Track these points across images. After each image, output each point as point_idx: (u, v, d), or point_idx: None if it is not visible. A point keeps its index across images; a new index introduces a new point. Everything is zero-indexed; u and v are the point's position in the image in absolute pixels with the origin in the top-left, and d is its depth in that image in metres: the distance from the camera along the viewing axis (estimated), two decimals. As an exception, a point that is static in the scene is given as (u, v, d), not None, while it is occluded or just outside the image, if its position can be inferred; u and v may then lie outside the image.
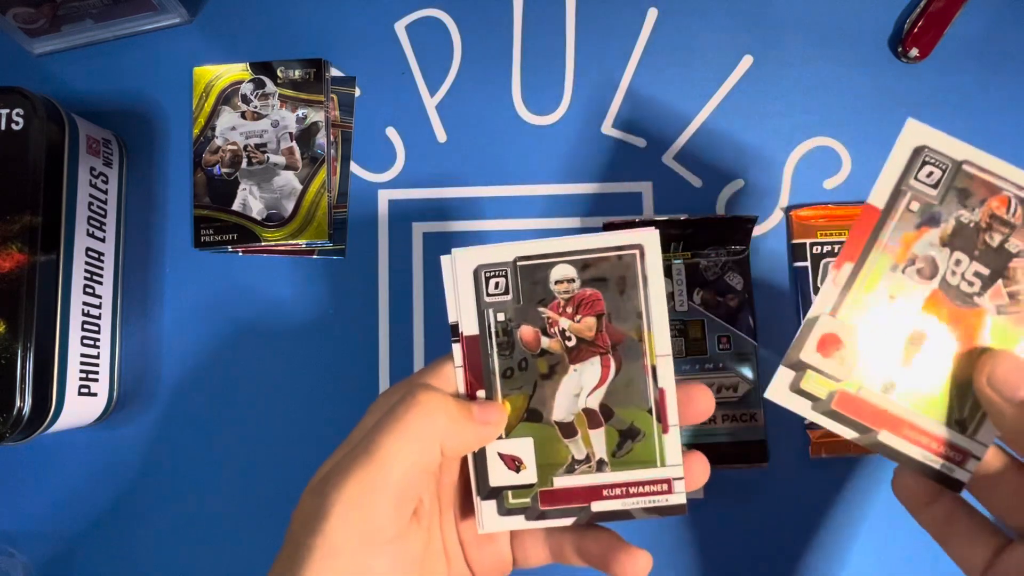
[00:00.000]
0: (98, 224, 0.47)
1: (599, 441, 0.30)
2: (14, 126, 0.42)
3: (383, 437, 0.27)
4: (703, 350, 0.46)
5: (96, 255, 0.47)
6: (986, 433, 0.30)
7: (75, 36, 0.50)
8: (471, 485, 0.31)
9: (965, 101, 0.49)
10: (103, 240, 0.47)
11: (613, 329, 0.30)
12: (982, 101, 0.49)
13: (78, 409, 0.45)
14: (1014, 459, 0.30)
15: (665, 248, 0.47)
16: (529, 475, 0.30)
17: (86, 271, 0.46)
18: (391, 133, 0.50)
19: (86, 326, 0.45)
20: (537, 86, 0.50)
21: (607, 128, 0.50)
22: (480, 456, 0.30)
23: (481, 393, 0.30)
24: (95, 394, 0.46)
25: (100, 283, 0.47)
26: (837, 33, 0.50)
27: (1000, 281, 0.30)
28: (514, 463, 0.30)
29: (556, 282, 0.30)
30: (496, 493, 0.30)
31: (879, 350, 0.30)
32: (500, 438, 0.30)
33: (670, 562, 0.46)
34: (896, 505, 0.47)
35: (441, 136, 0.50)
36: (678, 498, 0.30)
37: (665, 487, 0.30)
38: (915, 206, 0.30)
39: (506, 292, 0.30)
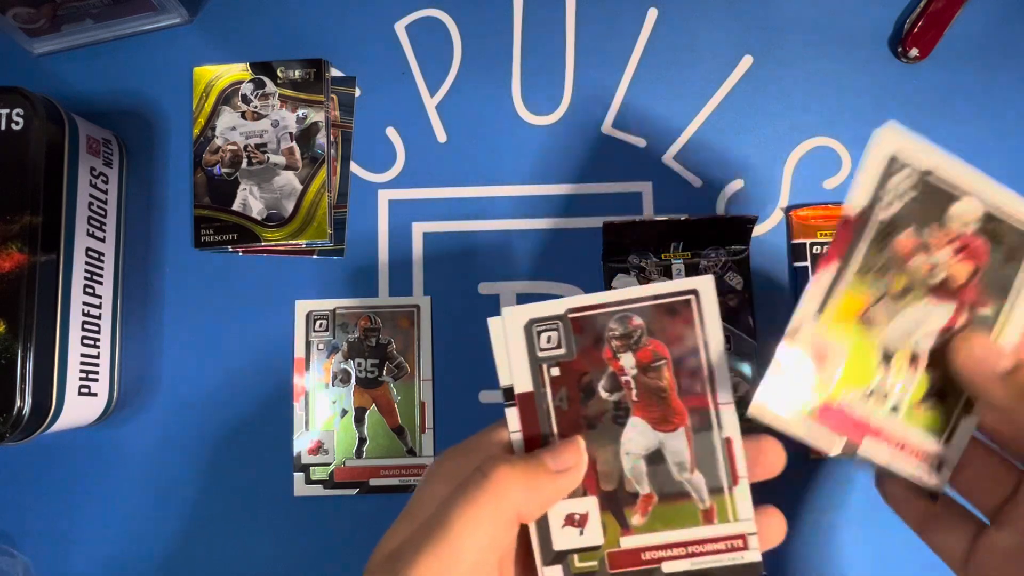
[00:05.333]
0: (98, 224, 0.47)
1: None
2: (14, 126, 0.42)
3: (456, 518, 0.26)
4: (703, 350, 0.46)
5: (96, 255, 0.47)
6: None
7: (75, 36, 0.50)
8: (533, 551, 0.29)
9: (965, 101, 0.49)
10: (103, 240, 0.47)
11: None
12: (982, 101, 0.49)
13: (78, 409, 0.45)
14: (981, 443, 0.30)
15: (665, 248, 0.47)
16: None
17: (86, 271, 0.46)
18: (391, 133, 0.50)
19: (86, 326, 0.45)
20: (537, 86, 0.50)
21: (607, 128, 0.50)
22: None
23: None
24: (95, 394, 0.46)
25: (100, 283, 0.47)
26: (837, 33, 0.50)
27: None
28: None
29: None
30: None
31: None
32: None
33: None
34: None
35: (441, 136, 0.50)
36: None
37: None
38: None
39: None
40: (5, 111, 0.42)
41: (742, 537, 0.28)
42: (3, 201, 0.42)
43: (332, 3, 0.51)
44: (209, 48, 0.51)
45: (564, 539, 0.29)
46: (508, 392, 0.29)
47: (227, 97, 0.50)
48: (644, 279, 0.47)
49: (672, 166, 0.49)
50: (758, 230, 0.48)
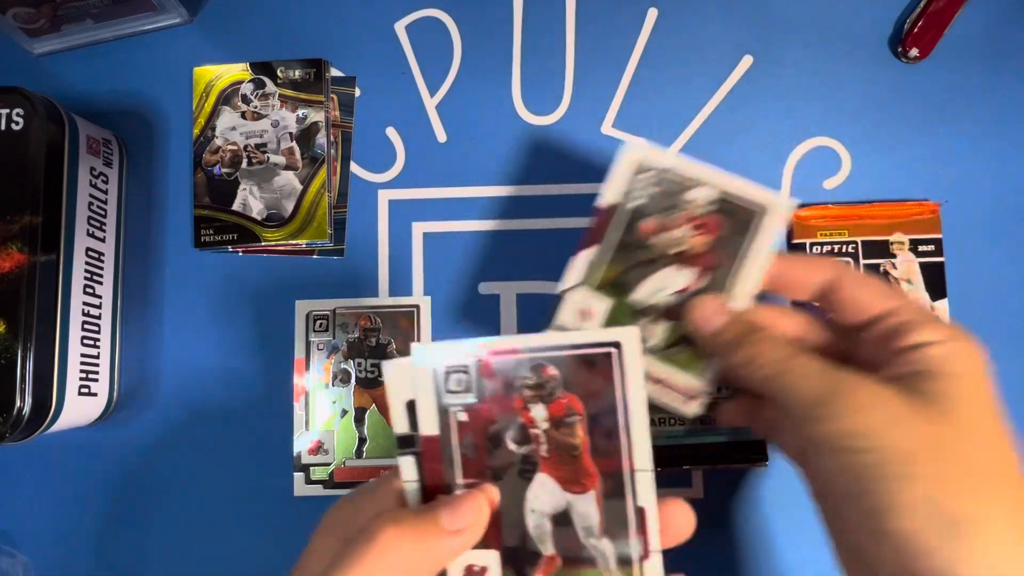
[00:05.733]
0: (98, 224, 0.47)
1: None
2: (14, 126, 0.42)
3: None
4: (703, 350, 0.46)
5: (96, 255, 0.47)
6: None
7: (75, 36, 0.50)
8: None
9: (965, 101, 0.49)
10: (103, 240, 0.47)
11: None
12: (982, 101, 0.49)
13: (78, 409, 0.45)
14: (749, 394, 0.36)
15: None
16: None
17: (86, 271, 0.46)
18: (391, 133, 0.50)
19: (86, 326, 0.45)
20: (537, 86, 0.50)
21: (607, 128, 0.50)
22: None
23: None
24: (95, 394, 0.46)
25: (100, 283, 0.47)
26: (837, 33, 0.50)
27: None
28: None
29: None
30: None
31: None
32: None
33: (668, 562, 0.46)
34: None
35: (441, 136, 0.50)
36: None
37: None
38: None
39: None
40: (5, 111, 0.42)
41: None
42: (3, 201, 0.42)
43: (332, 3, 0.51)
44: (209, 48, 0.51)
45: None
46: (403, 440, 0.27)
47: (227, 97, 0.50)
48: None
49: (672, 166, 0.49)
50: (758, 230, 0.48)
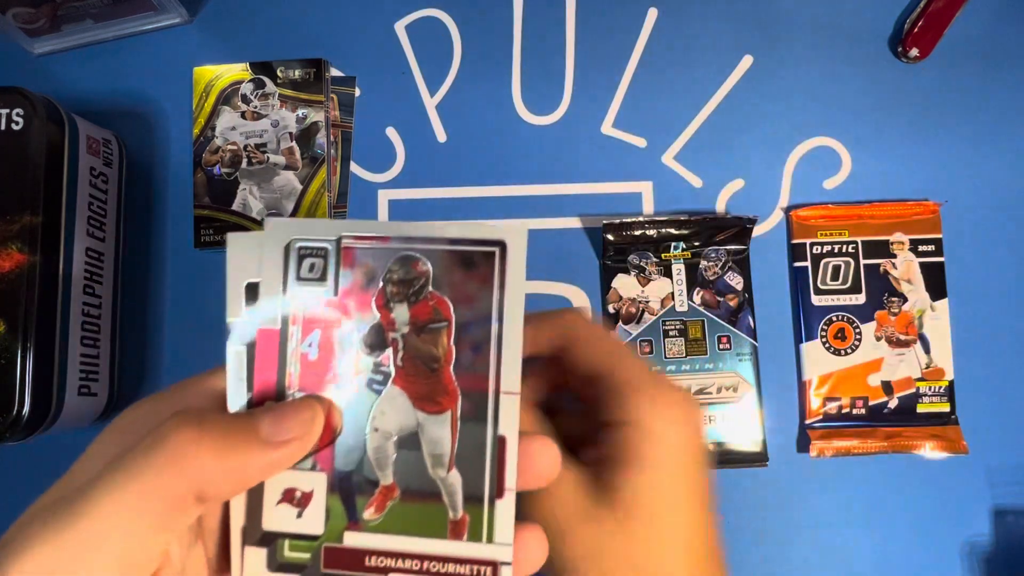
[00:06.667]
0: (98, 224, 0.47)
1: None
2: (14, 126, 0.42)
3: (103, 495, 0.19)
4: (703, 350, 0.46)
5: (96, 255, 0.47)
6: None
7: (75, 36, 0.50)
8: (231, 523, 0.23)
9: (965, 101, 0.49)
10: (103, 240, 0.47)
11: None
12: (982, 101, 0.49)
13: (78, 409, 0.45)
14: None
15: (665, 248, 0.47)
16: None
17: (86, 271, 0.46)
18: (391, 133, 0.50)
19: (86, 326, 0.45)
20: (537, 86, 0.50)
21: (607, 128, 0.50)
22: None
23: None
24: (95, 394, 0.46)
25: (100, 283, 0.47)
26: (837, 33, 0.50)
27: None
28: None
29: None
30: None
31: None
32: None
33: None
34: (895, 505, 0.47)
35: (441, 136, 0.50)
36: None
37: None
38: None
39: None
40: (5, 111, 0.42)
41: (492, 565, 0.22)
42: (3, 201, 0.42)
43: (332, 3, 0.51)
44: (209, 48, 0.51)
45: (276, 519, 0.23)
46: (234, 328, 0.23)
47: (227, 97, 0.50)
48: (644, 279, 0.47)
49: (672, 166, 0.49)
50: (758, 230, 0.48)
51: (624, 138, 0.50)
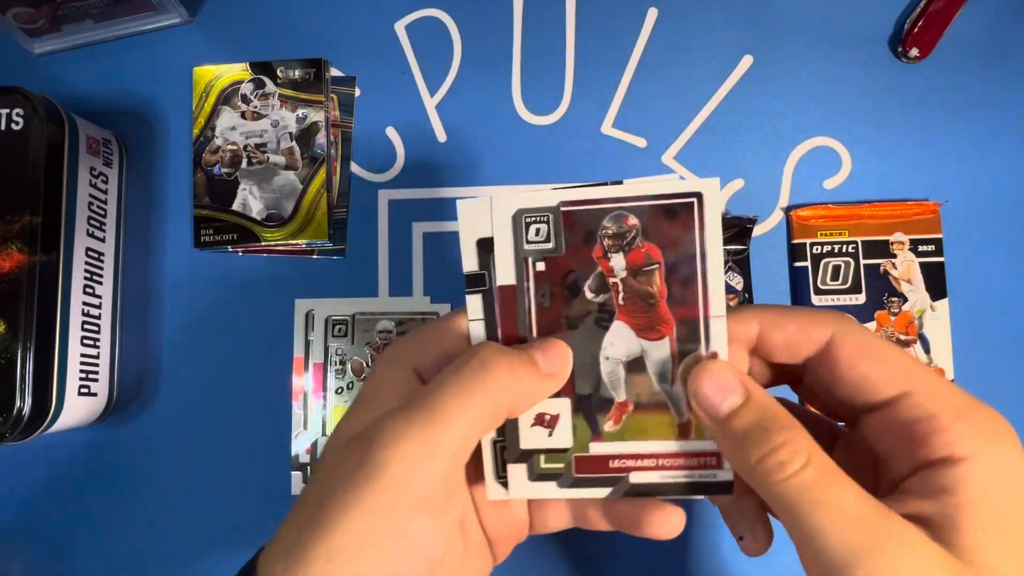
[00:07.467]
0: (98, 224, 0.47)
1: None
2: (14, 126, 0.43)
3: (446, 399, 0.24)
4: (703, 350, 0.46)
5: (96, 255, 0.47)
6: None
7: (75, 36, 0.50)
8: (484, 450, 0.28)
9: (965, 101, 0.49)
10: (103, 240, 0.47)
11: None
12: (982, 101, 0.49)
13: (78, 409, 0.45)
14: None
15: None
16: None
17: (86, 271, 0.46)
18: (391, 133, 0.50)
19: (86, 326, 0.45)
20: (537, 86, 0.50)
21: (607, 128, 0.50)
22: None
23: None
24: (95, 394, 0.46)
25: (100, 283, 0.47)
26: (837, 33, 0.50)
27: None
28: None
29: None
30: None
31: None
32: None
33: (668, 562, 0.46)
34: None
35: (441, 136, 0.50)
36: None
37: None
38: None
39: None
40: (5, 111, 0.42)
41: (716, 455, 0.27)
42: (3, 201, 0.42)
43: (332, 3, 0.51)
44: (209, 48, 0.51)
45: (532, 438, 0.28)
46: (471, 278, 0.27)
47: (227, 97, 0.50)
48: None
49: (672, 166, 0.49)
50: (758, 230, 0.48)
51: (624, 138, 0.50)
